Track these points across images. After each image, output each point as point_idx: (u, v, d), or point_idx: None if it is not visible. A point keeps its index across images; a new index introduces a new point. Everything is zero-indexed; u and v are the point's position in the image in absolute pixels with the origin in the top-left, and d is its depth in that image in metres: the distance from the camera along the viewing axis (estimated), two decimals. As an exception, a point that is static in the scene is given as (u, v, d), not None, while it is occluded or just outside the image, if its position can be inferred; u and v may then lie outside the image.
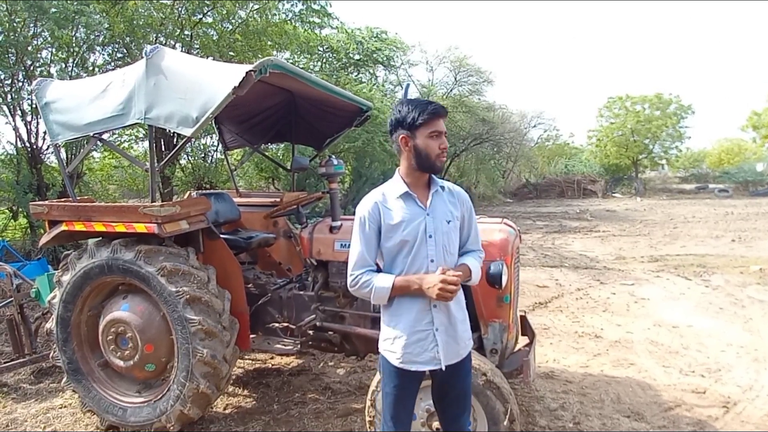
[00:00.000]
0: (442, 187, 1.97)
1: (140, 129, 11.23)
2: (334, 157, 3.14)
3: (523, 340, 3.31)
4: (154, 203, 2.81)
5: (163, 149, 10.34)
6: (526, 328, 3.34)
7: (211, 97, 2.62)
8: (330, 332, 3.22)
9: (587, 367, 4.05)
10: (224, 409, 3.38)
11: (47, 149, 8.74)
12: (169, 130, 4.15)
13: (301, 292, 3.34)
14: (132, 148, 12.85)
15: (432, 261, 1.87)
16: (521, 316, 3.37)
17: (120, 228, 2.88)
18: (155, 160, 3.00)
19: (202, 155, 13.60)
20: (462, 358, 1.96)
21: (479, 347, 2.88)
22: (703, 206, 19.89)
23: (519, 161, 28.64)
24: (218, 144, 9.81)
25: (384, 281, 1.85)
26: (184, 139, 2.78)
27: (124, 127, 3.06)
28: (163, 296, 2.80)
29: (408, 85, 3.08)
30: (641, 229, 13.44)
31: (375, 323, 3.12)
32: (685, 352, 4.35)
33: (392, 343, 1.91)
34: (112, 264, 2.91)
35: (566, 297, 6.35)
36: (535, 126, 30.60)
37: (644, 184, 28.59)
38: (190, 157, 13.17)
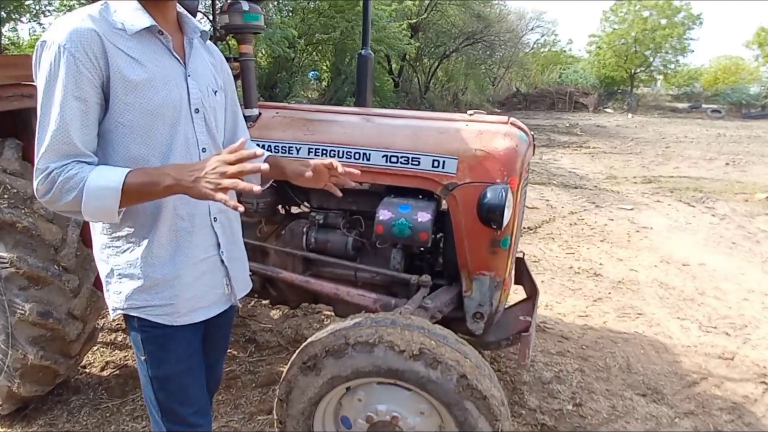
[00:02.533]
0: (202, 34, 1.26)
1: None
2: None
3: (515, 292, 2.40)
4: None
5: None
6: (523, 277, 2.42)
7: None
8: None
9: (587, 316, 3.25)
10: (101, 370, 2.46)
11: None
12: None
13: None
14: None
15: (204, 151, 1.22)
16: (517, 258, 2.44)
17: None
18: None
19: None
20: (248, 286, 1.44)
21: (456, 308, 1.96)
22: (695, 126, 19.14)
23: (511, 68, 26.77)
24: None
25: (107, 177, 1.02)
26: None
27: None
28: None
29: None
30: (633, 147, 12.60)
31: (310, 264, 2.15)
32: (701, 300, 3.57)
33: (157, 292, 1.18)
34: None
35: (558, 222, 5.49)
36: (532, 29, 28.33)
37: (637, 99, 27.38)
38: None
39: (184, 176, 1.01)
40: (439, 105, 19.39)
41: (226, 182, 0.97)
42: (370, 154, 1.86)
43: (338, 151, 1.90)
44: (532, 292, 2.29)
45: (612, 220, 5.61)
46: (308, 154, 1.94)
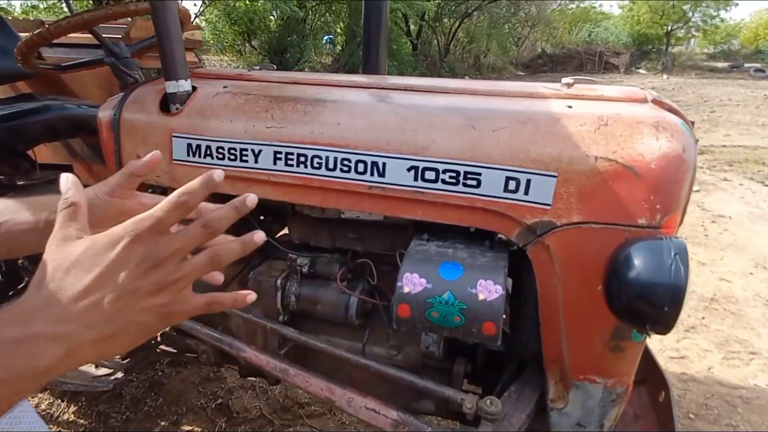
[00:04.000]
0: None
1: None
2: None
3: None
4: None
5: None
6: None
7: None
8: (191, 339, 1.44)
9: (682, 358, 2.39)
10: None
11: None
12: None
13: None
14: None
15: None
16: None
17: None
18: None
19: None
20: None
21: (537, 413, 1.13)
22: (738, 87, 17.53)
23: (537, 27, 25.04)
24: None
25: None
26: None
27: None
28: None
29: None
30: (674, 112, 11.42)
31: (286, 342, 1.33)
32: (828, 326, 2.68)
33: None
34: None
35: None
36: (560, -17, 26.38)
37: (673, 59, 25.47)
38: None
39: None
40: (460, 69, 18.11)
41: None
42: (384, 165, 1.00)
43: (326, 158, 1.04)
44: (648, 372, 1.43)
45: (678, 206, 4.64)
46: (274, 163, 1.08)
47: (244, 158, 1.11)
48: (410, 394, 1.28)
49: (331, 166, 1.04)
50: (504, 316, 0.94)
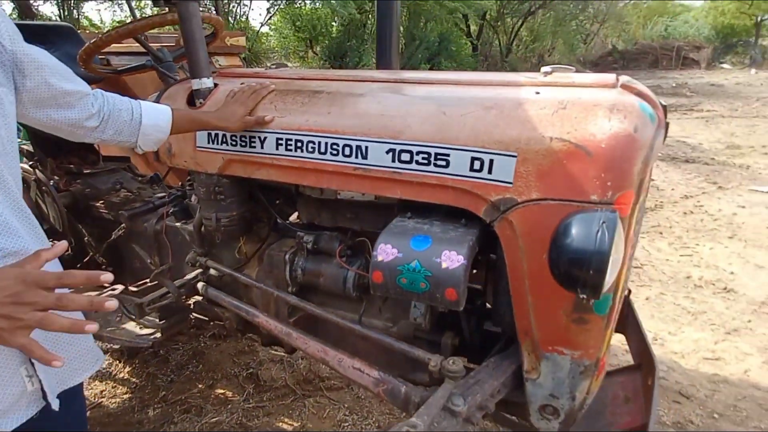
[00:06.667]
0: None
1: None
2: None
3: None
4: None
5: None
6: (627, 325, 1.58)
7: None
8: (218, 307, 1.63)
9: (717, 360, 2.29)
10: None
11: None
12: None
13: (178, 224, 1.69)
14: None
15: None
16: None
17: None
18: None
19: None
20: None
21: (513, 388, 1.20)
22: (837, 81, 15.86)
23: (607, 22, 23.89)
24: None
25: None
26: None
27: None
28: None
29: None
30: (759, 109, 10.43)
31: (295, 311, 1.48)
32: None
33: None
34: None
35: (668, 210, 4.36)
36: (633, -25, 25.02)
37: (762, 52, 23.33)
38: None
39: None
40: (522, 69, 17.70)
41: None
42: (367, 148, 1.12)
43: (318, 143, 1.18)
44: (643, 358, 1.44)
45: (743, 207, 4.36)
46: (276, 148, 1.24)
47: (252, 144, 1.27)
48: (406, 366, 1.38)
49: (322, 150, 1.18)
50: (465, 288, 1.02)
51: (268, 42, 16.45)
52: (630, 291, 1.59)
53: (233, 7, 13.62)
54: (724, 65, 22.64)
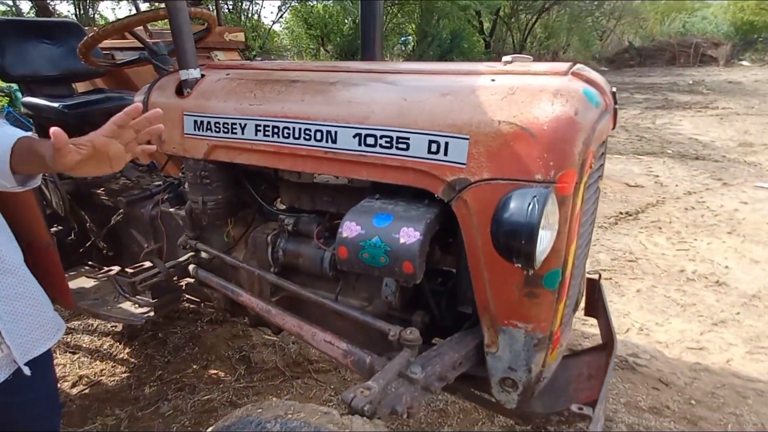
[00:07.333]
0: None
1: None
2: None
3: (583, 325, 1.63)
4: None
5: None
6: (597, 309, 1.63)
7: None
8: (207, 288, 1.73)
9: (701, 349, 2.32)
10: (72, 386, 2.12)
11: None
12: None
13: (172, 210, 1.79)
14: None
15: None
16: (590, 280, 1.65)
17: None
18: None
19: None
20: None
21: (477, 363, 1.27)
22: None
23: (623, 19, 23.58)
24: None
25: None
26: None
27: None
28: None
29: None
30: (776, 108, 10.30)
31: (278, 290, 1.56)
32: None
33: None
34: None
35: (670, 205, 4.36)
36: (650, -28, 24.64)
37: (784, 49, 22.81)
38: None
39: None
40: (534, 65, 17.59)
41: None
42: (336, 133, 1.20)
43: (293, 129, 1.26)
44: (608, 337, 1.50)
45: (745, 203, 4.34)
46: (255, 134, 1.32)
47: (234, 131, 1.36)
48: (384, 344, 1.45)
49: (296, 135, 1.26)
50: (423, 263, 1.09)
51: (280, 40, 16.61)
52: (600, 275, 1.65)
53: (245, 5, 13.79)
54: (744, 62, 22.18)
